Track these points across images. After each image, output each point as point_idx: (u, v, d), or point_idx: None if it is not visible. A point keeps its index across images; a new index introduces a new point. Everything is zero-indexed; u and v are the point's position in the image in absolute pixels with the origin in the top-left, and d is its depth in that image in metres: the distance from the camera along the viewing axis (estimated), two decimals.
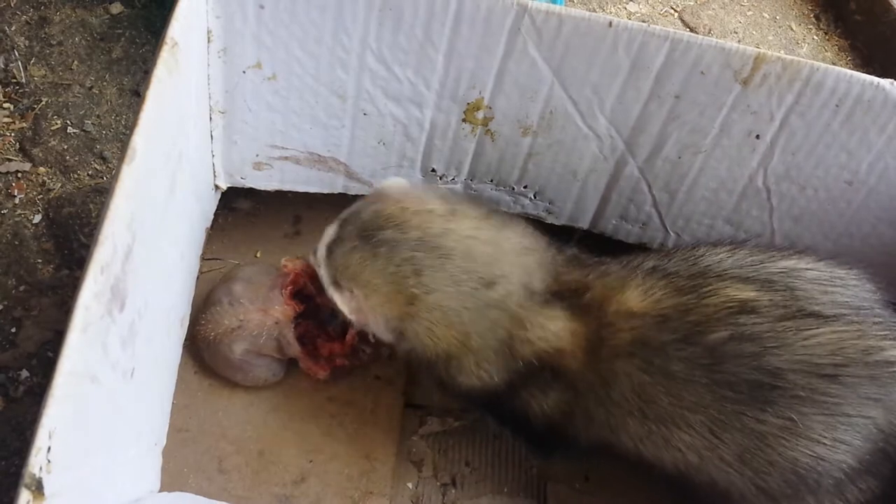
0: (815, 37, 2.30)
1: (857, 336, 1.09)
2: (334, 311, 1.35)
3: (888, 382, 1.08)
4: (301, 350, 1.41)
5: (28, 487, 0.82)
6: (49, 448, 0.84)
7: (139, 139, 0.99)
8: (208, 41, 1.23)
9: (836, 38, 2.30)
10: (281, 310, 1.40)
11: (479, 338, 1.18)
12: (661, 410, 1.13)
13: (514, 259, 1.19)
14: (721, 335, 1.09)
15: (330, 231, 1.24)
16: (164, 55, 1.08)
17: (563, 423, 1.23)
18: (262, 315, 1.40)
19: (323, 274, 1.24)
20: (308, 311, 1.43)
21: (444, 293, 1.16)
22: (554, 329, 1.18)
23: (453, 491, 1.42)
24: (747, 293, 1.12)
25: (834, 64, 1.50)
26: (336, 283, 1.21)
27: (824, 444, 1.08)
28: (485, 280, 1.16)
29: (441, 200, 1.22)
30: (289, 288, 1.42)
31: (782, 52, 1.28)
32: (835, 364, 1.07)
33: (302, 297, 1.43)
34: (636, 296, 1.16)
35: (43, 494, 0.83)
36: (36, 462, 0.83)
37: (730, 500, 1.20)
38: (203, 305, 1.43)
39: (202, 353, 1.44)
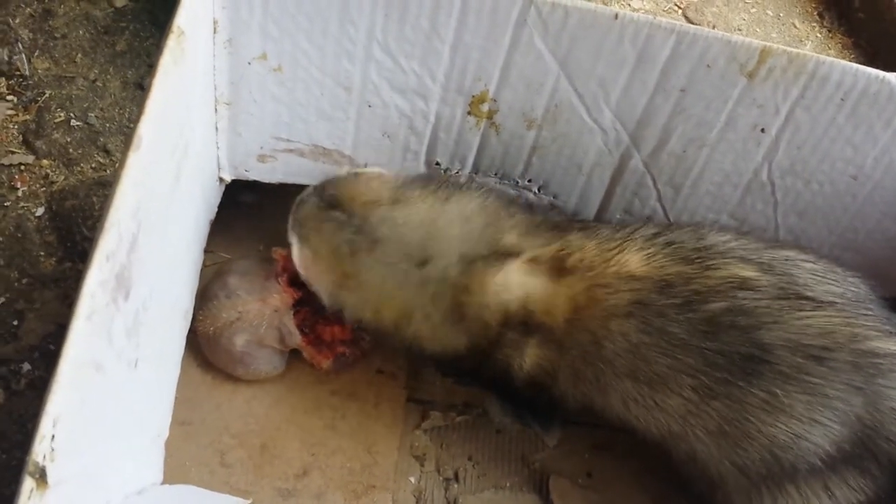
0: (819, 34, 2.30)
1: (847, 324, 1.12)
2: None
3: (871, 373, 1.11)
4: (303, 338, 1.40)
5: (32, 475, 0.82)
6: (53, 436, 0.83)
7: (146, 127, 0.99)
8: (214, 31, 1.23)
9: (840, 36, 2.30)
10: (279, 297, 1.40)
11: (423, 311, 1.26)
12: (654, 371, 1.16)
13: (450, 233, 1.26)
14: (719, 305, 1.13)
15: (308, 189, 1.36)
16: (171, 44, 1.08)
17: (547, 382, 1.27)
18: (260, 305, 1.39)
19: (289, 223, 1.35)
20: (305, 298, 1.42)
21: (375, 274, 1.26)
22: (520, 290, 1.22)
23: (456, 485, 1.41)
24: (748, 272, 1.16)
25: None
26: (296, 235, 1.32)
27: (802, 422, 1.11)
28: (416, 260, 1.24)
29: (391, 189, 1.30)
30: (285, 275, 1.41)
31: None
32: (822, 347, 1.10)
33: (298, 284, 1.42)
34: (637, 260, 1.20)
35: (46, 482, 0.83)
36: (40, 450, 0.82)
37: (713, 484, 1.23)
38: (198, 302, 1.42)
39: (203, 349, 1.44)
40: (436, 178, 1.35)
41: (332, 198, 1.30)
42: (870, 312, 1.16)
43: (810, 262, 1.21)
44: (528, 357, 1.25)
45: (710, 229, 1.25)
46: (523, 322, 1.22)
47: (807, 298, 1.13)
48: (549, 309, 1.21)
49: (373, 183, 1.31)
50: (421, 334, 1.28)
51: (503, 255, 1.23)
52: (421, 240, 1.26)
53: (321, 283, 1.31)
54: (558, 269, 1.22)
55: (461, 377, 1.51)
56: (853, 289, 1.19)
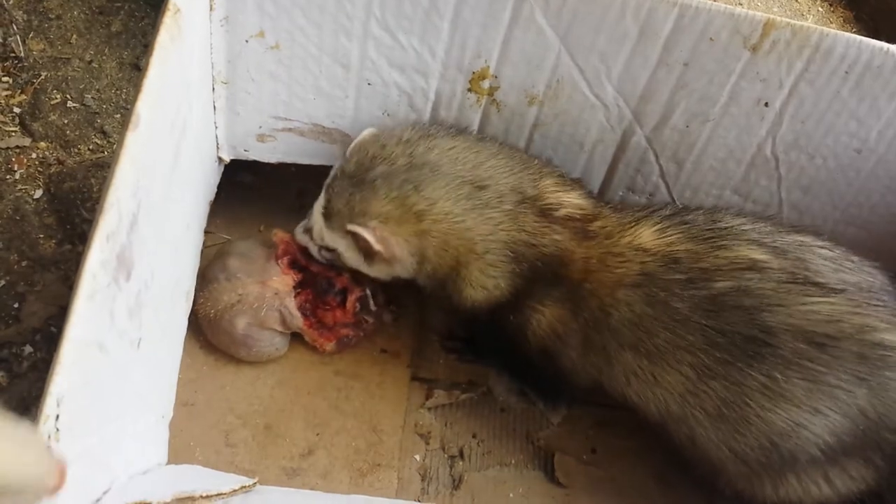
0: (821, 8, 2.28)
1: (855, 313, 1.10)
2: (331, 279, 1.42)
3: (877, 365, 1.09)
4: (304, 321, 1.40)
5: None
6: (58, 416, 0.83)
7: (143, 105, 0.98)
8: (210, 9, 1.21)
9: (842, 10, 2.28)
10: (279, 280, 1.39)
11: (484, 242, 1.24)
12: (655, 345, 1.17)
13: (496, 161, 1.27)
14: (725, 285, 1.13)
15: (319, 201, 1.31)
16: (167, 21, 1.06)
17: (558, 347, 1.27)
18: (260, 287, 1.39)
19: (325, 235, 1.31)
20: (306, 280, 1.42)
21: (445, 200, 1.23)
22: (556, 237, 1.24)
23: (461, 463, 1.41)
24: (759, 255, 1.15)
25: None
26: (348, 230, 1.26)
27: (801, 409, 1.11)
28: (475, 183, 1.24)
29: (413, 129, 1.29)
30: (285, 258, 1.41)
31: None
32: (827, 335, 1.09)
33: (299, 266, 1.42)
34: (650, 234, 1.22)
35: None
36: (45, 430, 0.82)
37: (715, 469, 1.24)
38: (199, 284, 1.41)
39: (204, 331, 1.43)
40: (452, 124, 1.37)
41: (357, 168, 1.26)
42: (881, 303, 1.13)
43: (826, 248, 1.19)
44: (547, 313, 1.26)
45: (726, 212, 1.26)
46: (555, 268, 1.24)
47: (816, 285, 1.12)
48: (574, 262, 1.23)
49: (388, 132, 1.29)
50: (472, 276, 1.27)
51: (546, 204, 1.26)
52: (474, 162, 1.25)
53: (402, 245, 1.25)
54: (583, 231, 1.25)
55: (465, 353, 1.51)
56: (869, 278, 1.17)
